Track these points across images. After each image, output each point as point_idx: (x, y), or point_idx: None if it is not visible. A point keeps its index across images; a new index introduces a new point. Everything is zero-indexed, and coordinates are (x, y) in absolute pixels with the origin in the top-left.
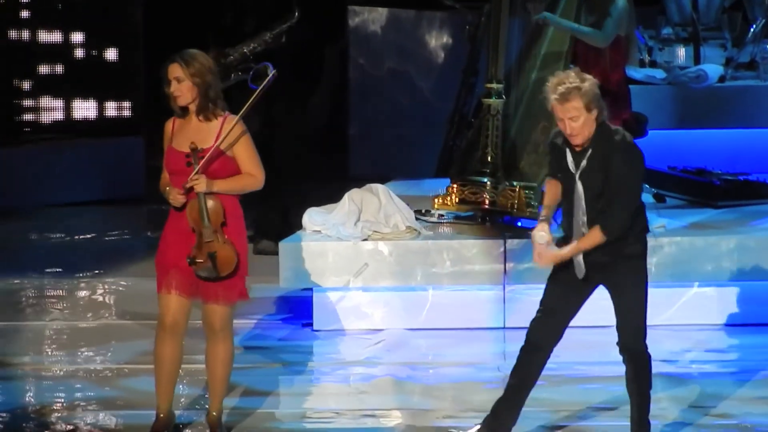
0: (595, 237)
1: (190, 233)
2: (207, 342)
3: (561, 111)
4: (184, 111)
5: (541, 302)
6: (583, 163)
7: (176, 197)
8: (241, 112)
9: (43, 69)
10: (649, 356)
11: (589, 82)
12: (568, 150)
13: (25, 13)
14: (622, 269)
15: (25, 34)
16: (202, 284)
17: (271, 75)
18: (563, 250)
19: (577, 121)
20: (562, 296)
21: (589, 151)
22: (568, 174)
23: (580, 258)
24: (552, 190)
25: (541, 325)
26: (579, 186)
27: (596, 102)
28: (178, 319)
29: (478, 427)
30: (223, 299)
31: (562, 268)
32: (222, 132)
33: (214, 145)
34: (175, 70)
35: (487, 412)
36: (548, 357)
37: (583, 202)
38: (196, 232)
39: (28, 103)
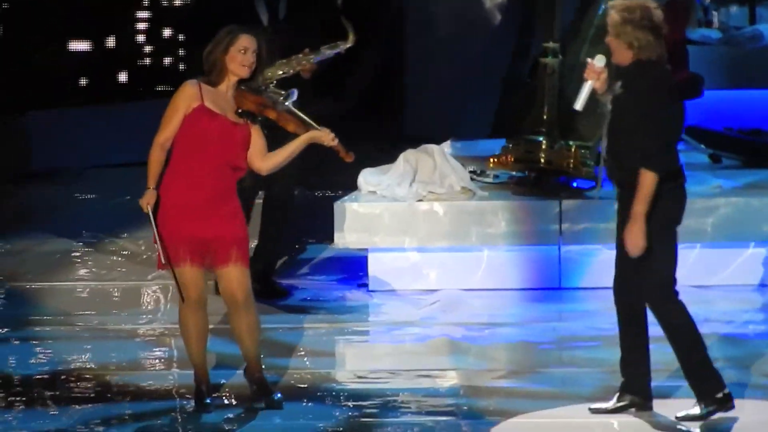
0: (644, 180)
1: (198, 202)
2: (232, 313)
3: None
4: (218, 80)
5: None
6: (617, 89)
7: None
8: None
9: None
10: (679, 310)
11: (623, 15)
12: None
13: None
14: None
15: None
16: (213, 250)
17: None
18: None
19: (611, 39)
20: (621, 247)
21: (620, 81)
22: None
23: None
24: None
25: (617, 283)
26: (608, 109)
27: (622, 34)
28: (204, 292)
29: (617, 397)
30: (235, 260)
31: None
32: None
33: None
34: (251, 42)
35: (538, 371)
36: (644, 308)
37: (606, 127)
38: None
39: None
